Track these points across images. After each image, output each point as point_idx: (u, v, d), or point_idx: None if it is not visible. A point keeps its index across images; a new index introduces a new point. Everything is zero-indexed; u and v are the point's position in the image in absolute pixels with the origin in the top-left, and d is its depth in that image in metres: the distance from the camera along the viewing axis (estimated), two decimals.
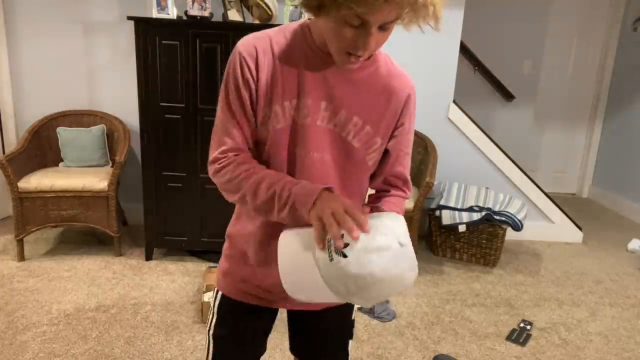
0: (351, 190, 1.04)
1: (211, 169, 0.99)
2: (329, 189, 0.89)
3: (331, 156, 0.99)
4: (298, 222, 0.89)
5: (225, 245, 1.14)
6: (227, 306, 1.12)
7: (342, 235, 0.80)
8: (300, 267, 0.86)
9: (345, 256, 0.80)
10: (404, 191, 1.10)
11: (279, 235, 0.92)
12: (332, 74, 0.96)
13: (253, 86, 0.94)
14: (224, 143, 0.97)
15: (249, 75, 0.94)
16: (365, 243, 0.81)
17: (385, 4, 0.76)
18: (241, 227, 1.08)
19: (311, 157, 0.98)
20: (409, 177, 1.12)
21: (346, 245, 0.80)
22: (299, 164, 0.98)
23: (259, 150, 1.00)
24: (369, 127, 0.99)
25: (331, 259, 0.80)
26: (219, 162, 0.97)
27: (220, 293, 1.13)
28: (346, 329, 1.21)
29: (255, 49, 0.93)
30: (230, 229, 1.12)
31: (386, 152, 1.05)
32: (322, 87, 0.96)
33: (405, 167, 1.09)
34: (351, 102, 0.97)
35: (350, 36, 0.82)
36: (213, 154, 0.99)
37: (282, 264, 0.87)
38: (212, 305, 1.15)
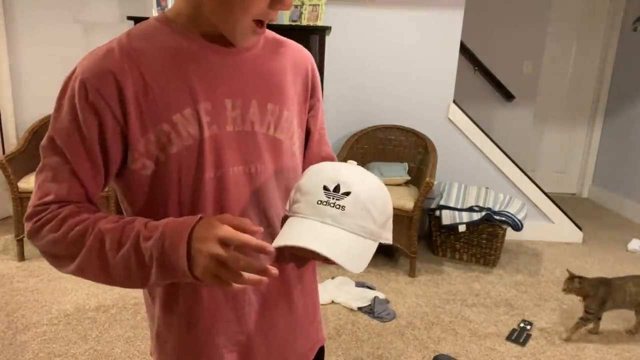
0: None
1: (27, 226, 0.72)
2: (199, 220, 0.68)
3: (261, 164, 0.80)
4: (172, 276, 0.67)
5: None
6: None
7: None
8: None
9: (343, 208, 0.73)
10: None
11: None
12: (222, 63, 0.76)
13: (111, 118, 0.70)
14: (48, 193, 0.72)
15: (101, 107, 0.69)
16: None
17: None
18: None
19: (232, 174, 0.77)
20: (334, 155, 0.99)
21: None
22: (216, 188, 0.76)
23: (153, 191, 0.76)
24: (286, 111, 0.82)
25: (342, 210, 0.72)
26: (37, 218, 0.71)
27: None
28: None
29: (109, 68, 0.70)
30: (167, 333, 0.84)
31: (308, 134, 0.92)
32: (219, 83, 0.75)
33: (329, 144, 0.98)
34: (258, 88, 0.79)
35: None
36: (31, 206, 0.72)
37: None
38: None
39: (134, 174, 0.75)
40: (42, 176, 0.73)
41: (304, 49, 0.89)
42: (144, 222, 0.70)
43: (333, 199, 0.72)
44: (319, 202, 0.72)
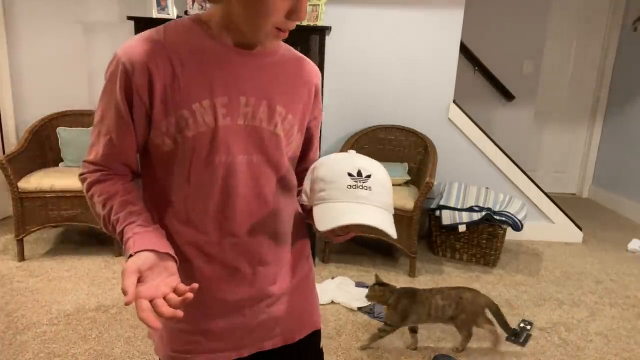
0: (289, 185, 0.99)
1: (80, 176, 0.91)
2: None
3: (261, 155, 0.91)
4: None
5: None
6: None
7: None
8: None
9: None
10: None
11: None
12: (243, 64, 0.87)
13: (138, 100, 0.82)
14: (91, 152, 0.89)
15: (133, 89, 0.82)
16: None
17: None
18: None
19: (238, 162, 0.88)
20: None
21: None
22: (223, 171, 0.87)
23: (169, 167, 0.88)
24: (290, 115, 0.93)
25: (370, 190, 0.85)
26: (82, 174, 0.90)
27: None
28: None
29: (144, 57, 0.81)
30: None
31: (307, 141, 1.05)
32: (237, 81, 0.86)
33: (318, 149, 1.13)
34: (271, 91, 0.90)
35: (285, 5, 0.78)
36: (85, 157, 0.90)
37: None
38: None
39: (156, 149, 0.87)
40: (93, 134, 0.89)
41: (315, 67, 1.01)
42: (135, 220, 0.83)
43: (360, 182, 0.84)
44: (349, 187, 0.84)
